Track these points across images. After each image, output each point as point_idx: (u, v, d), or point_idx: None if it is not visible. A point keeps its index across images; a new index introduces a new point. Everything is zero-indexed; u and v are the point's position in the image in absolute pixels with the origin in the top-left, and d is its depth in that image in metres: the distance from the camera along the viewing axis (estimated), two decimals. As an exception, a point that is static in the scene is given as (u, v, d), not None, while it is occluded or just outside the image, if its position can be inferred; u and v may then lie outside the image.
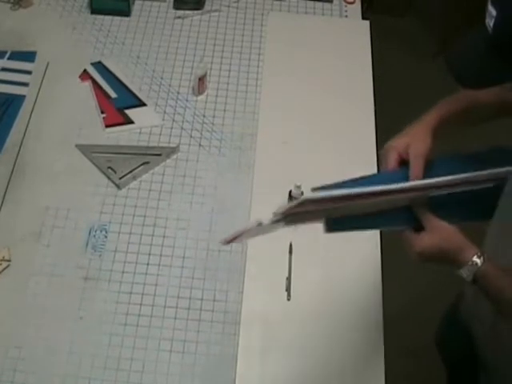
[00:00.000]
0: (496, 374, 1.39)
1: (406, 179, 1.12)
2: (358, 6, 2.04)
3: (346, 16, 2.01)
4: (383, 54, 1.97)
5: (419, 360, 2.20)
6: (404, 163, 1.16)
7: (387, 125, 1.85)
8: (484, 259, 1.06)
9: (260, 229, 1.11)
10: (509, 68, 0.94)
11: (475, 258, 1.06)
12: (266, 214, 1.55)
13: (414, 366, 2.22)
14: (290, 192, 1.52)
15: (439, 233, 1.08)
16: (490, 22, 0.93)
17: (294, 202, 1.06)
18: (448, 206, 1.13)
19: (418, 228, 1.09)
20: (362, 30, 1.96)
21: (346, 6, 2.03)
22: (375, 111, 1.76)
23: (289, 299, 1.45)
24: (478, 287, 1.09)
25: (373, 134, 1.71)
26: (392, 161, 1.16)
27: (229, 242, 1.14)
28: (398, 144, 1.17)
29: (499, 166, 1.12)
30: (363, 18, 2.01)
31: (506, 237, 1.17)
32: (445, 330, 1.67)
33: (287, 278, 1.47)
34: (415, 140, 1.16)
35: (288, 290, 1.46)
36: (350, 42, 1.93)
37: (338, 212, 1.09)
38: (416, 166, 1.13)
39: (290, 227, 1.11)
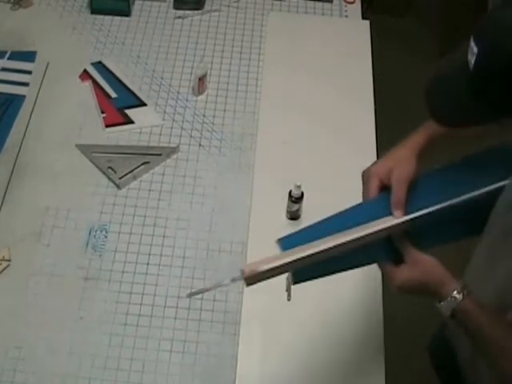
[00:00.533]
0: None
1: (388, 208, 1.08)
2: (358, 6, 2.04)
3: (346, 16, 2.01)
4: (383, 53, 1.97)
5: (419, 361, 2.20)
6: (386, 189, 1.12)
7: (387, 124, 1.86)
8: (464, 295, 1.03)
9: (220, 285, 1.11)
10: (490, 109, 0.90)
11: (455, 294, 1.03)
12: (265, 213, 1.56)
13: (413, 366, 2.22)
14: (290, 192, 1.52)
15: (420, 266, 1.05)
16: (471, 59, 0.88)
17: (261, 269, 1.04)
18: (430, 230, 1.10)
19: (398, 259, 1.07)
20: (362, 29, 1.96)
21: (346, 6, 2.03)
22: (375, 111, 1.76)
23: (289, 299, 1.45)
24: (456, 322, 1.06)
25: (373, 133, 1.71)
26: (373, 188, 1.13)
27: (193, 295, 1.12)
28: (379, 170, 1.14)
29: (498, 168, 1.10)
30: (363, 17, 2.01)
31: (494, 252, 1.13)
32: (435, 345, 1.65)
33: (287, 278, 1.47)
34: (398, 165, 1.13)
35: (288, 290, 1.46)
36: (350, 42, 1.93)
37: (306, 262, 1.06)
38: (398, 191, 1.09)
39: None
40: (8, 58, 1.83)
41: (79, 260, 1.49)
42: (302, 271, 1.08)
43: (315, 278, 1.11)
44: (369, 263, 1.12)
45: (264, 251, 1.50)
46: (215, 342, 1.40)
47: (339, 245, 1.05)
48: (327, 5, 2.03)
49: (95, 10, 1.97)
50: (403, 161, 1.13)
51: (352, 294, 1.47)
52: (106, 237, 1.53)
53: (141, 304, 1.44)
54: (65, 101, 1.76)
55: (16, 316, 1.41)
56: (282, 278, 1.46)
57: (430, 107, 0.98)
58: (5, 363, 1.35)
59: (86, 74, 1.82)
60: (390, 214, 1.08)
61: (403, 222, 1.07)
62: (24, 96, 1.75)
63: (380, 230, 1.07)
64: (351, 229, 1.06)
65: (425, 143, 1.16)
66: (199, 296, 1.45)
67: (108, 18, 1.97)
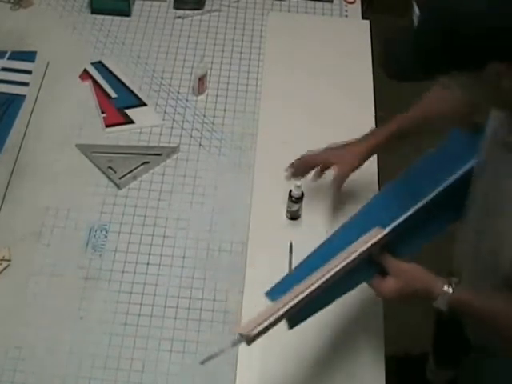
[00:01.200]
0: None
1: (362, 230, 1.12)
2: (358, 6, 2.04)
3: (346, 16, 2.01)
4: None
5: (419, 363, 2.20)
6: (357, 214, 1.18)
7: (387, 125, 1.86)
8: (453, 287, 1.09)
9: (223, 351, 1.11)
10: (428, 67, 0.95)
11: (445, 289, 1.09)
12: (265, 213, 1.56)
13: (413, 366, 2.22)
14: (290, 192, 1.52)
15: (403, 276, 1.10)
16: (415, 20, 0.94)
17: (255, 332, 1.06)
18: (407, 235, 1.14)
19: (381, 272, 1.11)
20: (362, 29, 1.96)
21: (346, 6, 2.03)
22: (375, 111, 1.76)
23: (289, 299, 1.44)
24: (455, 312, 1.11)
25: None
26: (308, 161, 1.23)
27: (205, 361, 1.12)
28: (321, 154, 1.23)
29: (461, 155, 1.15)
30: (363, 17, 2.01)
31: (478, 235, 1.17)
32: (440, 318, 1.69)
33: (287, 278, 1.47)
34: (343, 159, 1.23)
35: (288, 289, 1.45)
36: (350, 42, 1.93)
37: (298, 307, 1.09)
38: (337, 186, 1.21)
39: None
40: (8, 58, 1.83)
41: (79, 260, 1.49)
42: (296, 316, 1.11)
43: (309, 316, 1.14)
44: (355, 286, 1.16)
45: (264, 251, 1.50)
46: (215, 341, 1.39)
47: (325, 279, 1.08)
48: (327, 5, 2.03)
49: (95, 9, 1.97)
50: (349, 157, 1.25)
51: (352, 293, 1.46)
52: (105, 237, 1.53)
53: (141, 304, 1.44)
54: (65, 101, 1.76)
55: (16, 316, 1.41)
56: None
57: (383, 64, 1.03)
58: (5, 363, 1.35)
59: (86, 74, 1.82)
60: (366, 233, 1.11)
61: (382, 237, 1.11)
62: (24, 96, 1.75)
63: (360, 253, 1.10)
64: (330, 261, 1.10)
65: (380, 145, 1.26)
66: (199, 296, 1.45)
67: (108, 17, 1.97)
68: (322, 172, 1.35)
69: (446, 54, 0.91)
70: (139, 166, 1.64)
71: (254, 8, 2.02)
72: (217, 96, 1.80)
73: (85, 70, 1.83)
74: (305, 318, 1.13)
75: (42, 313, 1.42)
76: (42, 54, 1.85)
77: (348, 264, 1.09)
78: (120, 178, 1.61)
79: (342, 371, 1.37)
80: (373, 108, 1.77)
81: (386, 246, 1.12)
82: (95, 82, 1.80)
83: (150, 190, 1.61)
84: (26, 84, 1.78)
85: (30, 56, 1.84)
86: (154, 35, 1.94)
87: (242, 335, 1.06)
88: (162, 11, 2.00)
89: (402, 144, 1.34)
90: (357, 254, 1.09)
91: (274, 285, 1.14)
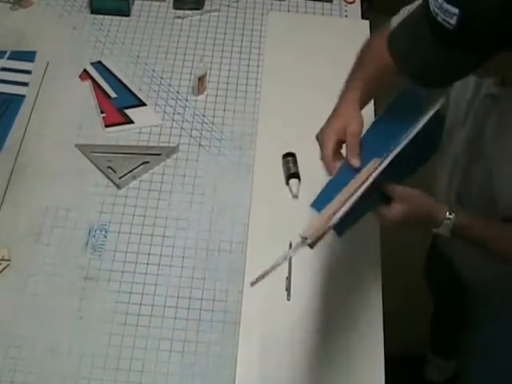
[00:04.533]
0: (479, 295, 1.48)
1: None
2: (357, 6, 2.04)
3: (346, 16, 2.01)
4: (383, 53, 1.96)
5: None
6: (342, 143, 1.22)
7: (387, 125, 1.86)
8: (456, 213, 1.13)
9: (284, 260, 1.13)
10: (471, 59, 0.95)
11: (448, 215, 1.13)
12: (265, 213, 1.56)
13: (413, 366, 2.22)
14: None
15: (408, 201, 1.12)
16: (448, 19, 0.92)
17: (320, 232, 1.09)
18: (401, 163, 1.15)
19: (386, 200, 1.13)
20: (362, 29, 1.96)
21: (345, 6, 2.03)
22: (375, 111, 1.75)
23: (289, 299, 1.45)
24: (456, 238, 1.16)
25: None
26: (332, 146, 1.22)
27: (256, 282, 1.13)
28: (335, 128, 1.23)
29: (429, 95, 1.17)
30: (363, 17, 2.01)
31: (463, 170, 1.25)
32: (429, 262, 1.75)
33: (287, 278, 1.47)
34: (349, 120, 1.23)
35: (288, 289, 1.46)
36: (350, 42, 1.92)
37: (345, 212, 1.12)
38: (353, 144, 1.19)
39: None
40: (8, 58, 1.83)
41: (79, 260, 1.49)
42: (341, 224, 1.13)
43: (347, 228, 1.17)
44: (371, 210, 1.17)
45: (264, 251, 1.50)
46: (215, 341, 1.40)
47: (366, 185, 1.11)
48: (327, 5, 2.03)
49: (95, 9, 1.97)
50: (353, 116, 1.24)
51: (352, 293, 1.47)
52: (105, 237, 1.53)
53: (140, 304, 1.44)
54: (64, 101, 1.76)
55: (16, 316, 1.41)
56: (282, 278, 1.47)
57: (401, 64, 1.04)
58: (5, 363, 1.35)
59: (85, 74, 1.82)
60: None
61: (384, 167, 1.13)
62: (24, 96, 1.75)
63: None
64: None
65: (362, 96, 1.28)
66: (199, 296, 1.45)
67: (108, 17, 1.97)
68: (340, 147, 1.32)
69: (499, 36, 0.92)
70: (139, 166, 1.64)
71: (254, 8, 2.02)
72: (216, 96, 1.80)
73: (84, 70, 1.83)
74: (345, 228, 1.16)
75: (41, 313, 1.42)
76: (42, 54, 1.85)
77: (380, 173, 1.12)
78: (120, 178, 1.61)
79: (342, 371, 1.37)
80: (372, 108, 1.77)
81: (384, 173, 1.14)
82: (95, 82, 1.80)
83: (149, 190, 1.61)
84: (25, 84, 1.78)
85: (29, 56, 1.84)
86: (154, 35, 1.93)
87: (304, 238, 1.10)
88: (162, 11, 2.00)
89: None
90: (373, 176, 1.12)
91: (316, 196, 1.17)
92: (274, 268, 1.11)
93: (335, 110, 1.28)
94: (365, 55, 1.37)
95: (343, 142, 1.22)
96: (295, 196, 1.59)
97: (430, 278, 1.85)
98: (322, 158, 1.23)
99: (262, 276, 1.11)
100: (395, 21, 1.34)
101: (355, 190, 1.11)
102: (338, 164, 1.20)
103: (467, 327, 1.58)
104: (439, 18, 0.93)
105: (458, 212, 1.14)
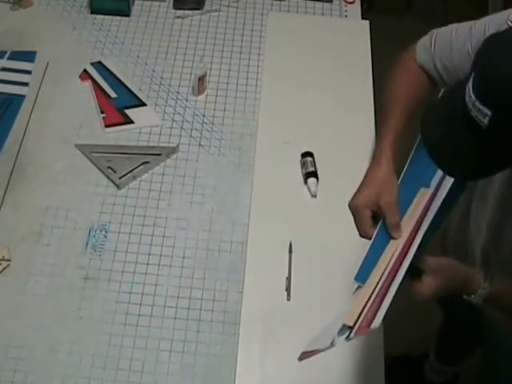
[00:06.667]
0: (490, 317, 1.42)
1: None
2: (357, 6, 2.04)
3: (346, 16, 2.01)
4: (383, 53, 1.96)
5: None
6: (378, 217, 1.14)
7: (387, 125, 1.86)
8: (491, 282, 1.06)
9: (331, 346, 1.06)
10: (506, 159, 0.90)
11: (483, 284, 1.05)
12: (265, 213, 1.56)
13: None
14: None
15: (441, 273, 1.04)
16: (482, 119, 0.86)
17: (374, 326, 1.01)
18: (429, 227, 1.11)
19: (416, 272, 1.05)
20: (362, 29, 1.96)
21: (345, 6, 2.03)
22: (375, 111, 1.76)
23: (289, 299, 1.45)
24: (489, 306, 1.09)
25: (373, 134, 1.71)
26: (366, 220, 1.14)
27: (303, 358, 1.08)
28: (366, 200, 1.14)
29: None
30: (363, 18, 2.01)
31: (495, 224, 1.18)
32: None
33: (287, 278, 1.47)
34: (383, 189, 1.14)
35: (288, 290, 1.46)
36: (350, 42, 1.93)
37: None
38: (391, 216, 1.10)
39: None
40: (8, 58, 1.83)
41: (79, 260, 1.49)
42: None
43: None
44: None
45: (264, 251, 1.50)
46: (215, 341, 1.40)
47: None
48: (327, 5, 2.03)
49: (95, 9, 1.97)
50: (386, 183, 1.15)
51: (352, 294, 1.47)
52: (105, 237, 1.53)
53: (140, 304, 1.44)
54: (65, 101, 1.76)
55: (16, 316, 1.41)
56: (282, 278, 1.47)
57: (432, 155, 0.97)
58: (5, 363, 1.35)
59: (85, 74, 1.82)
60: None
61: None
62: (24, 96, 1.75)
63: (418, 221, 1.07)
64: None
65: (394, 151, 1.18)
66: (199, 296, 1.45)
67: (108, 17, 1.97)
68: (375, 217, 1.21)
69: None
70: (139, 166, 1.64)
71: (254, 8, 2.02)
72: (216, 96, 1.80)
73: (84, 70, 1.83)
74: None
75: (41, 313, 1.42)
76: (42, 54, 1.85)
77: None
78: (120, 178, 1.61)
79: (342, 371, 1.37)
80: (372, 108, 1.77)
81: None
82: (95, 82, 1.80)
83: (149, 190, 1.61)
84: (25, 84, 1.78)
85: (29, 56, 1.84)
86: (154, 35, 1.93)
87: (350, 326, 1.03)
88: (162, 11, 2.00)
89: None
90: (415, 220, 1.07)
91: (358, 268, 1.12)
92: (328, 348, 1.04)
93: (367, 175, 1.18)
94: (396, 91, 1.26)
95: (377, 211, 1.14)
96: (314, 195, 1.59)
97: (444, 302, 1.80)
98: (358, 229, 1.15)
99: (314, 353, 1.05)
100: (428, 39, 1.27)
101: (401, 260, 1.04)
102: (374, 231, 1.13)
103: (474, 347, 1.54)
104: (473, 114, 0.87)
105: (493, 279, 1.06)
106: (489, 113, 0.84)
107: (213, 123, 1.74)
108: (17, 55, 1.84)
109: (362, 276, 1.10)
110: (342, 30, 1.96)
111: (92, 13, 1.97)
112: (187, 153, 1.68)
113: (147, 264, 1.49)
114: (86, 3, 1.99)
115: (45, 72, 1.82)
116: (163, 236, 1.54)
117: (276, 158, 1.67)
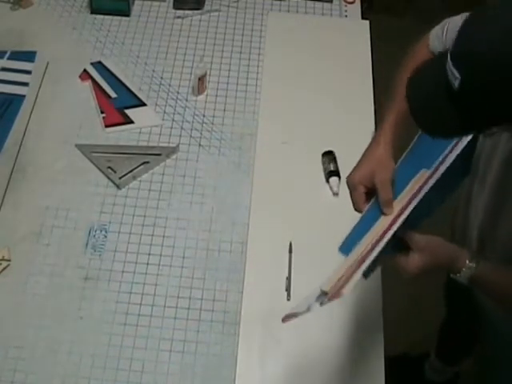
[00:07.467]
0: (493, 319, 1.44)
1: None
2: (357, 6, 2.04)
3: (346, 16, 2.01)
4: (383, 53, 1.97)
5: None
6: (373, 193, 1.18)
7: (387, 125, 1.86)
8: (477, 261, 1.09)
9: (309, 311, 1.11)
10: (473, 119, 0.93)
11: (469, 263, 1.09)
12: (265, 213, 1.56)
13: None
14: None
15: (428, 250, 1.09)
16: (453, 81, 0.91)
17: (346, 291, 1.07)
18: (422, 203, 1.14)
19: (404, 247, 1.10)
20: (362, 29, 1.96)
21: (346, 6, 2.03)
22: (375, 111, 1.76)
23: (289, 299, 1.45)
24: (473, 286, 1.12)
25: (372, 133, 1.71)
26: (360, 195, 1.19)
27: (286, 320, 1.14)
28: (361, 176, 1.20)
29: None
30: (363, 18, 2.01)
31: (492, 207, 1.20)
32: (449, 279, 1.72)
33: (287, 278, 1.47)
34: (378, 167, 1.18)
35: (288, 289, 1.46)
36: (350, 42, 1.93)
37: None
38: (384, 193, 1.15)
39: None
40: (8, 58, 1.83)
41: (79, 260, 1.49)
42: (368, 267, 1.12)
43: (375, 267, 1.15)
44: (388, 255, 1.14)
45: (264, 251, 1.50)
46: (215, 341, 1.40)
47: (394, 229, 1.10)
48: (327, 5, 2.03)
49: (95, 9, 1.97)
50: (382, 162, 1.20)
51: (353, 294, 1.46)
52: (105, 237, 1.53)
53: (140, 304, 1.44)
54: (65, 101, 1.76)
55: (16, 316, 1.41)
56: (282, 278, 1.47)
57: (415, 117, 1.00)
58: (5, 363, 1.35)
59: (85, 74, 1.82)
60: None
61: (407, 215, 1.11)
62: (24, 96, 1.75)
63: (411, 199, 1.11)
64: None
65: (395, 133, 1.23)
66: (199, 296, 1.45)
67: (108, 17, 1.97)
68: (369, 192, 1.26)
69: (497, 108, 0.89)
70: (139, 166, 1.64)
71: (254, 8, 2.02)
72: (216, 96, 1.80)
73: (84, 70, 1.83)
74: (375, 268, 1.14)
75: (41, 313, 1.42)
76: (42, 54, 1.84)
77: (407, 209, 1.11)
78: (120, 178, 1.61)
79: (342, 371, 1.37)
80: (372, 108, 1.77)
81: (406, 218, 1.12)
82: (95, 82, 1.80)
83: (149, 190, 1.61)
84: (25, 84, 1.78)
85: (29, 56, 1.84)
86: (154, 35, 1.93)
87: (325, 292, 1.08)
88: (162, 11, 2.00)
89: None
90: (408, 199, 1.11)
91: (344, 239, 1.15)
92: (305, 312, 1.10)
93: (365, 154, 1.24)
94: (403, 75, 1.26)
95: (372, 188, 1.18)
96: (335, 194, 1.59)
97: (449, 296, 1.81)
98: (352, 203, 1.20)
99: (293, 315, 1.11)
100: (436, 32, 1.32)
101: (384, 233, 1.09)
102: (366, 206, 1.18)
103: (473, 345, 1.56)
104: (449, 77, 0.92)
105: (479, 260, 1.09)
106: (458, 76, 0.90)
107: (213, 123, 1.74)
108: (17, 55, 1.84)
109: (346, 248, 1.14)
110: (342, 30, 1.96)
111: (92, 13, 1.97)
112: (187, 153, 1.68)
113: (147, 264, 1.49)
114: (85, 3, 1.99)
115: (45, 72, 1.82)
116: (163, 236, 1.54)
117: (276, 157, 1.67)
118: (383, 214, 1.13)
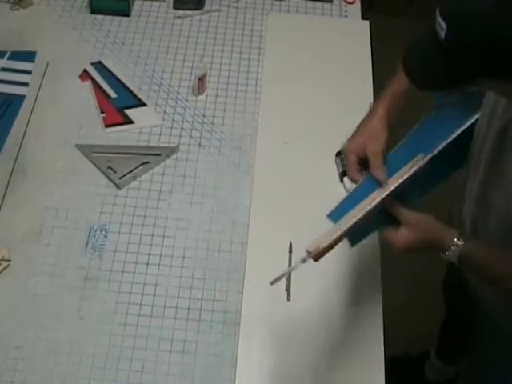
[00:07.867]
0: (491, 316, 1.45)
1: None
2: (357, 6, 2.04)
3: (346, 16, 2.01)
4: (383, 54, 1.97)
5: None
6: (365, 163, 1.23)
7: (387, 125, 1.86)
8: (464, 239, 1.10)
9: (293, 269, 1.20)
10: (458, 73, 0.94)
11: (456, 241, 1.10)
12: (265, 213, 1.56)
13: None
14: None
15: (416, 226, 1.11)
16: (440, 32, 0.92)
17: (323, 245, 1.13)
18: (414, 185, 1.17)
19: (394, 223, 1.13)
20: (362, 29, 1.96)
21: (346, 6, 2.03)
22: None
23: (289, 299, 1.45)
24: (463, 266, 1.14)
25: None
26: (352, 165, 1.24)
27: (274, 282, 1.20)
28: (354, 147, 1.24)
29: (461, 111, 1.20)
30: (363, 18, 2.01)
31: (487, 185, 1.20)
32: (449, 276, 1.77)
33: (287, 278, 1.47)
34: (371, 138, 1.23)
35: (288, 290, 1.46)
36: (350, 42, 1.93)
37: (354, 227, 1.15)
38: (375, 164, 1.19)
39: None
40: (8, 58, 1.83)
41: (79, 260, 1.49)
42: (356, 234, 1.18)
43: (367, 235, 1.20)
44: (378, 230, 1.20)
45: (264, 251, 1.50)
46: (215, 341, 1.40)
47: (379, 200, 1.15)
48: (327, 5, 2.03)
49: (95, 9, 1.97)
50: (375, 134, 1.24)
51: (352, 293, 1.47)
52: (105, 237, 1.53)
53: (140, 304, 1.44)
54: (65, 101, 1.76)
55: (16, 316, 1.41)
56: (282, 279, 1.47)
57: (407, 71, 1.02)
58: (5, 363, 1.35)
59: (85, 74, 1.82)
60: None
61: (396, 187, 1.15)
62: (24, 96, 1.75)
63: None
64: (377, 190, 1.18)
65: (389, 108, 1.26)
66: (199, 296, 1.45)
67: (108, 17, 1.97)
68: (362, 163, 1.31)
69: (482, 62, 0.90)
70: (139, 166, 1.64)
71: (254, 8, 2.02)
72: (216, 96, 1.80)
73: (84, 70, 1.83)
74: (363, 237, 1.19)
75: (41, 313, 1.42)
76: (42, 54, 1.84)
77: (398, 187, 1.14)
78: (120, 178, 1.61)
79: (342, 371, 1.37)
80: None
81: (396, 197, 1.15)
82: (95, 82, 1.80)
83: (149, 190, 1.61)
84: (25, 84, 1.77)
85: (29, 56, 1.83)
86: (154, 35, 1.93)
87: (309, 252, 1.13)
88: (162, 11, 2.00)
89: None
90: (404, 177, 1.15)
91: (334, 208, 1.19)
92: (290, 270, 1.20)
93: (361, 123, 1.28)
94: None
95: (365, 159, 1.22)
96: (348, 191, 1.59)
97: (448, 292, 1.82)
98: (347, 171, 1.25)
99: (280, 277, 1.18)
100: None
101: (372, 201, 1.12)
102: (361, 178, 1.21)
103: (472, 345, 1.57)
104: (437, 27, 0.94)
105: (468, 239, 1.11)
106: (445, 27, 0.92)
107: (213, 123, 1.75)
108: (17, 55, 1.84)
109: (335, 216, 1.17)
110: (342, 30, 1.96)
111: (92, 13, 1.97)
112: (187, 153, 1.68)
113: (147, 264, 1.49)
114: (85, 3, 1.99)
115: (45, 72, 1.82)
116: (163, 236, 1.54)
117: (276, 158, 1.67)
118: (378, 187, 1.16)
